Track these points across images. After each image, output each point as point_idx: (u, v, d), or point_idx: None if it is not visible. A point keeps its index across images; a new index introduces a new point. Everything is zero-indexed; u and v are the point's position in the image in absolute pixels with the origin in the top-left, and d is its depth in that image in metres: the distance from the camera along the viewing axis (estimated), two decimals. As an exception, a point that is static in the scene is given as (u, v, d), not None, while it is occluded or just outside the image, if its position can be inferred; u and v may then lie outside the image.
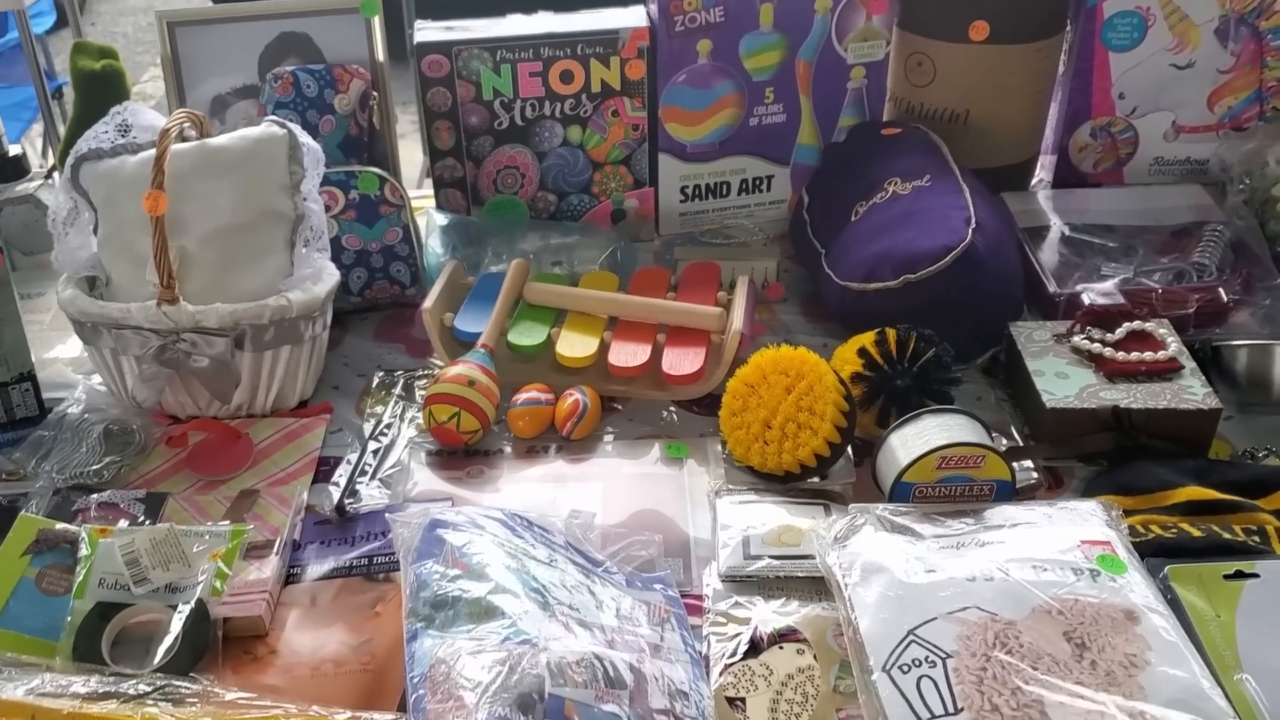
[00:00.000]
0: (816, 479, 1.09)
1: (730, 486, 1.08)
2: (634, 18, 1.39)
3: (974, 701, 0.77)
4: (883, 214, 1.26)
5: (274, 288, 1.15)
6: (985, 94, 1.44)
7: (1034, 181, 1.59)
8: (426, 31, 1.38)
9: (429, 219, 1.43)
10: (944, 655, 0.81)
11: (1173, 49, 1.47)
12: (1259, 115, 1.52)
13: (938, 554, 0.90)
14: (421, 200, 1.47)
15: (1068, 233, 1.38)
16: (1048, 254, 1.35)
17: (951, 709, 0.77)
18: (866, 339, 1.13)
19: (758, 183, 1.51)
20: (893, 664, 0.81)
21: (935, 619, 0.84)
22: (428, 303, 1.24)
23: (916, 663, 0.81)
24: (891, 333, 1.12)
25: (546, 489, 1.09)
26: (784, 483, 1.08)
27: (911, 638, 0.83)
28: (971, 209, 1.20)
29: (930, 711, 0.77)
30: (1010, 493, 1.00)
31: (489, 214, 1.47)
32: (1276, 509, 1.00)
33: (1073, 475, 1.10)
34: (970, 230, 1.17)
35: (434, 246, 1.41)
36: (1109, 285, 1.26)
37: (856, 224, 1.27)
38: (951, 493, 0.99)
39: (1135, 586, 0.87)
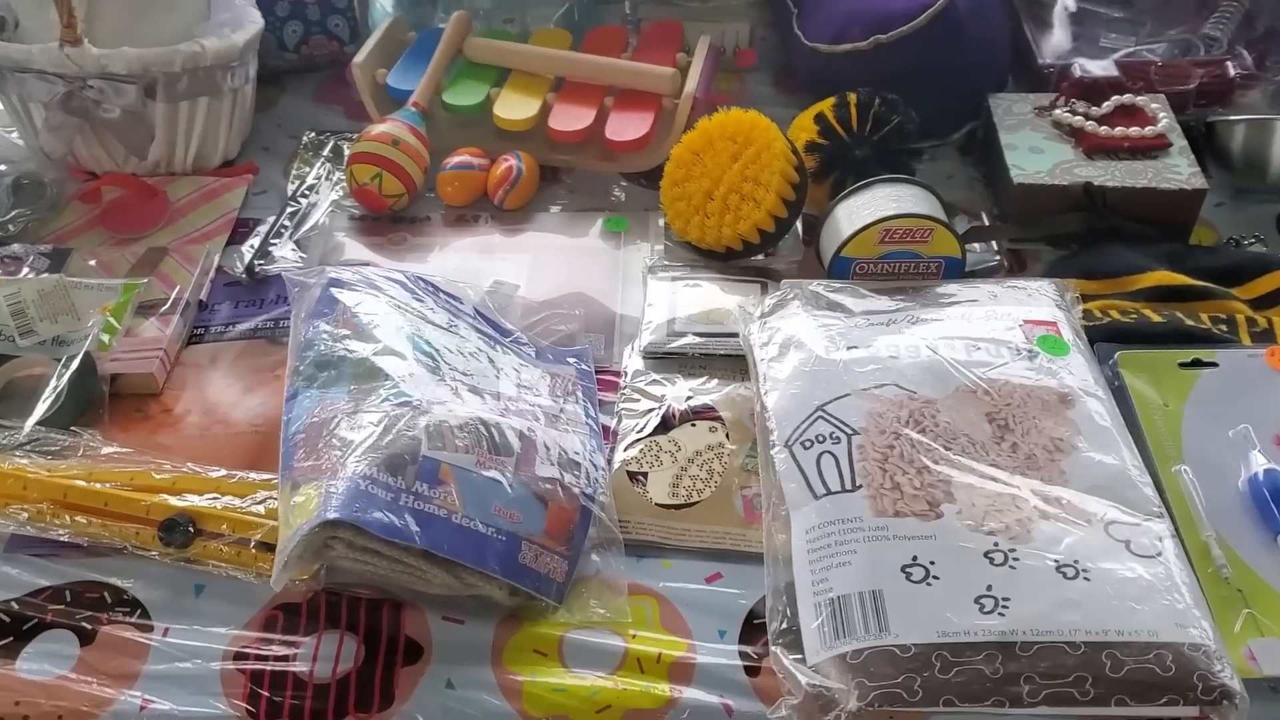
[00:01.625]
0: (761, 256, 1.01)
1: (666, 263, 1.01)
2: None
3: (874, 479, 0.71)
4: (860, -30, 1.13)
5: (190, 34, 1.07)
6: None
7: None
8: None
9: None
10: (850, 431, 0.75)
11: None
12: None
13: (865, 330, 0.83)
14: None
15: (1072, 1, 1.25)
16: (1049, 22, 1.23)
17: (849, 485, 0.71)
18: (825, 104, 1.03)
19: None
20: (796, 439, 0.76)
21: (848, 395, 0.77)
22: (359, 57, 1.15)
23: (820, 438, 0.75)
24: (853, 98, 1.02)
25: (472, 259, 1.02)
26: (725, 260, 1.01)
27: (820, 413, 0.77)
28: (955, -35, 1.08)
29: (826, 487, 0.72)
30: (960, 271, 0.92)
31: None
32: (1254, 298, 0.92)
33: (1039, 259, 1.01)
34: (950, -13, 1.05)
35: (382, 2, 1.30)
36: (1105, 56, 1.15)
37: (833, -22, 1.15)
38: (896, 270, 0.92)
39: (1076, 369, 0.80)
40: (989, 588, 0.65)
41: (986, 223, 1.05)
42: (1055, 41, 1.19)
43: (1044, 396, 0.77)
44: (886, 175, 0.95)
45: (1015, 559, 0.67)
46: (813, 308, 0.87)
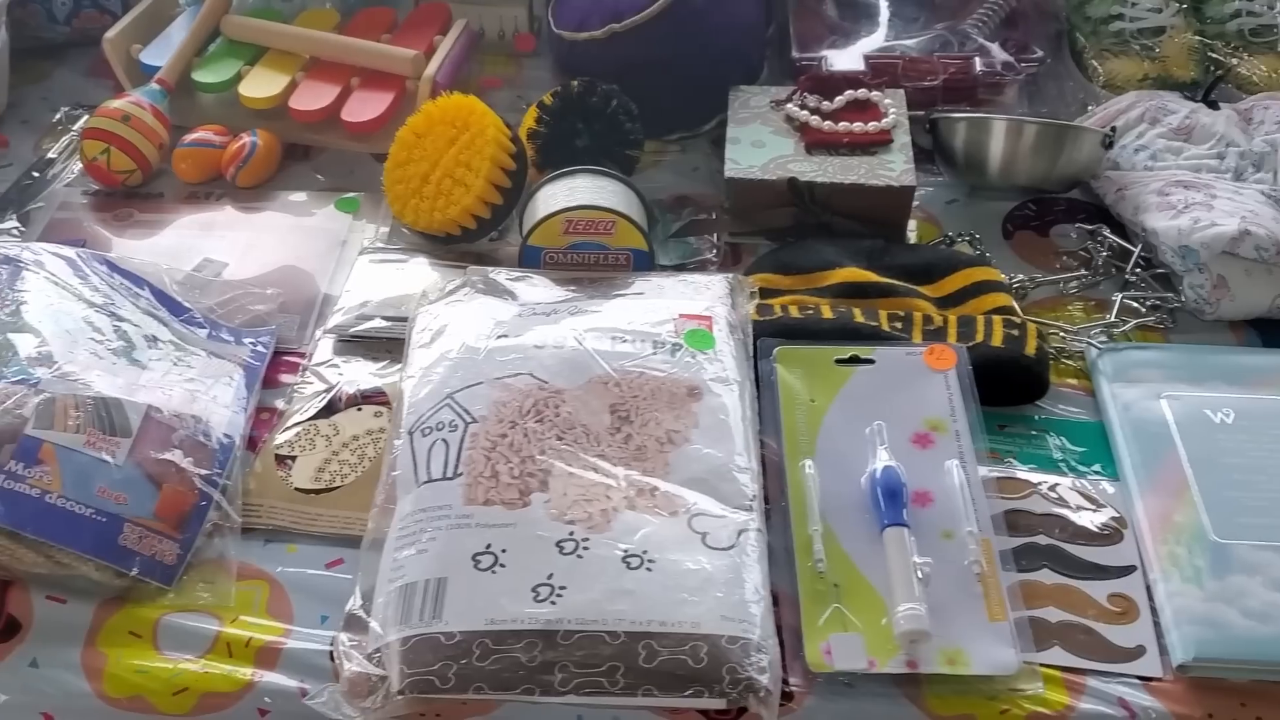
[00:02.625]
0: (487, 240, 1.01)
1: (383, 246, 1.01)
2: None
3: (476, 467, 0.72)
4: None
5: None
6: None
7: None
8: None
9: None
10: (469, 420, 0.75)
11: None
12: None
13: (526, 320, 0.84)
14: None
15: (842, -10, 1.25)
16: (817, 12, 1.23)
17: (450, 473, 0.72)
18: (550, 92, 1.03)
19: (538, -75, 1.37)
20: (419, 426, 0.76)
21: (480, 384, 0.78)
22: (112, 31, 1.14)
23: (440, 426, 0.75)
24: (576, 83, 1.02)
25: (188, 237, 1.02)
26: (447, 244, 1.01)
27: (448, 401, 0.77)
28: (697, -46, 1.08)
29: (429, 475, 0.72)
30: (649, 263, 0.93)
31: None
32: (941, 296, 0.93)
33: (754, 253, 1.02)
34: (706, -23, 1.05)
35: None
36: (857, 50, 1.15)
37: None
38: (584, 260, 0.92)
39: (716, 363, 0.80)
40: (550, 576, 0.66)
41: (714, 216, 1.05)
42: (815, 33, 1.19)
43: (673, 389, 0.78)
44: (588, 167, 0.95)
45: (586, 548, 0.67)
46: (486, 295, 0.87)
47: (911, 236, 1.03)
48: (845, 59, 1.14)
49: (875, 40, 1.19)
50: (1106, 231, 0.99)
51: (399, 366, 0.87)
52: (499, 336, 0.82)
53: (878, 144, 1.02)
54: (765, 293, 0.93)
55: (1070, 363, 0.90)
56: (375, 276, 0.96)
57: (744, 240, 1.03)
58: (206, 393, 0.82)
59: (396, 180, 1.01)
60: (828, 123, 1.03)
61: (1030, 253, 1.01)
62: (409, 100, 1.11)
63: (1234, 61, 1.12)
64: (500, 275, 0.89)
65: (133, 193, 1.08)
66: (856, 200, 0.99)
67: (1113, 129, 1.01)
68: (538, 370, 0.79)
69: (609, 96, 1.00)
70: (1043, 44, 1.17)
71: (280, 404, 0.87)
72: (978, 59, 1.12)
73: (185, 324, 0.88)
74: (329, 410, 0.85)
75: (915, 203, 1.01)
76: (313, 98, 1.10)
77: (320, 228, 1.04)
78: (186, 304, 0.90)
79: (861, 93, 1.06)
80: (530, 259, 0.92)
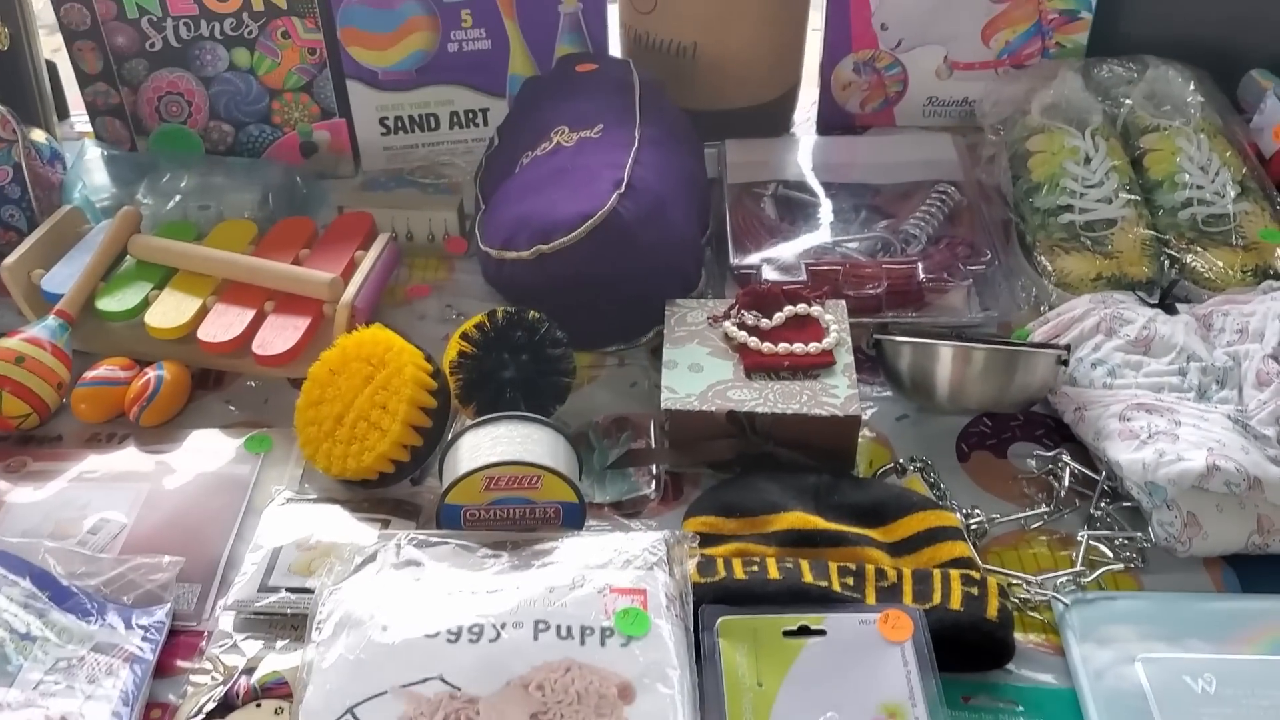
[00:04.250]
0: (409, 482, 0.94)
1: (292, 496, 0.93)
2: (294, -75, 1.21)
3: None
4: (540, 169, 1.09)
5: None
6: (714, 24, 1.27)
7: (799, 123, 1.42)
8: (50, -63, 1.19)
9: (80, 151, 1.26)
10: (372, 743, 0.67)
11: (937, -25, 1.29)
12: (1041, 51, 1.34)
13: (437, 600, 0.76)
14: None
15: (780, 190, 1.21)
16: (759, 214, 1.18)
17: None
18: (473, 321, 0.97)
19: (470, 116, 1.34)
20: (314, 749, 0.68)
21: (385, 693, 0.70)
22: (11, 258, 1.08)
23: (339, 750, 0.67)
24: (500, 312, 0.96)
25: (83, 490, 0.94)
26: (366, 489, 0.94)
27: (348, 716, 0.69)
28: (628, 168, 1.03)
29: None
30: (579, 516, 0.86)
31: (157, 146, 1.30)
32: (893, 541, 0.86)
33: (697, 484, 0.95)
34: (615, 195, 1.00)
35: (92, 182, 1.24)
36: (797, 254, 1.10)
37: (515, 178, 1.11)
38: (509, 516, 0.85)
39: (649, 653, 0.73)
40: None
41: (654, 440, 0.99)
42: (753, 235, 1.14)
43: (602, 691, 0.70)
44: (512, 413, 0.89)
45: None
46: (398, 569, 0.80)
47: (860, 461, 0.96)
48: (784, 264, 1.09)
49: (816, 238, 1.14)
50: (1067, 458, 0.93)
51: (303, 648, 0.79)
52: (408, 626, 0.74)
53: (818, 366, 0.96)
54: (707, 539, 0.86)
55: (1036, 615, 0.83)
56: (284, 531, 0.89)
57: (686, 469, 0.96)
58: (84, 706, 0.73)
59: (309, 421, 0.95)
60: (766, 344, 0.97)
61: (988, 478, 0.95)
62: (327, 326, 1.04)
63: (1189, 258, 1.08)
64: (412, 545, 0.82)
65: (28, 437, 1.00)
66: (800, 430, 0.92)
67: (1068, 347, 0.95)
68: (450, 673, 0.71)
69: (535, 327, 0.95)
70: (990, 238, 1.13)
71: (173, 698, 0.79)
72: (921, 264, 1.08)
73: (69, 612, 0.80)
74: (225, 708, 0.77)
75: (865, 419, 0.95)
76: (223, 327, 1.04)
77: (227, 474, 0.96)
78: (72, 587, 0.82)
79: (802, 308, 1.01)
80: (449, 517, 0.85)
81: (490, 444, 0.86)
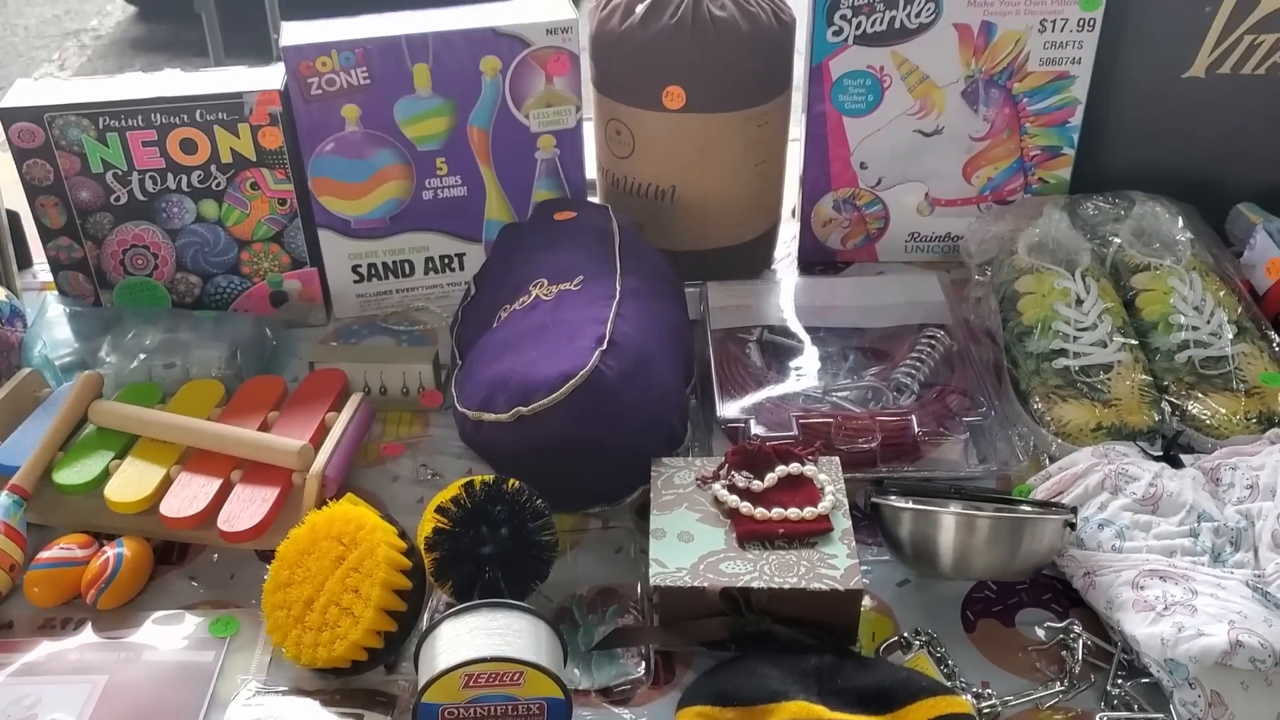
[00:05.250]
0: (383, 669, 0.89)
1: (260, 687, 0.87)
2: (264, 79, 1.18)
3: None
4: (518, 324, 1.05)
5: None
6: (691, 167, 1.25)
7: (780, 259, 1.40)
8: (14, 94, 1.17)
9: (42, 307, 1.22)
10: None
11: (916, 113, 1.28)
12: (1024, 188, 1.33)
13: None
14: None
15: (766, 335, 1.17)
16: (745, 363, 1.15)
17: None
18: (448, 492, 0.92)
19: (446, 261, 1.31)
20: None
21: None
22: (-36, 431, 1.03)
23: None
24: (478, 483, 0.91)
25: (32, 685, 0.88)
26: (338, 676, 0.88)
27: None
28: (610, 323, 1.00)
29: None
30: (566, 713, 0.80)
31: (122, 299, 1.26)
32: (903, 730, 0.81)
33: (690, 664, 0.90)
34: (598, 353, 0.96)
35: (54, 339, 1.20)
36: (786, 405, 1.06)
37: (493, 334, 1.07)
38: (490, 713, 0.79)
39: None
40: None
41: (643, 613, 0.94)
42: (740, 384, 1.10)
43: None
44: (491, 600, 0.84)
45: None
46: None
47: (862, 634, 0.91)
48: (774, 416, 1.05)
49: (805, 385, 1.10)
50: (1079, 628, 0.88)
51: None
52: None
53: (816, 533, 0.92)
54: (702, 732, 0.80)
55: (1058, 810, 0.78)
56: (251, 734, 0.83)
57: (678, 649, 0.91)
58: None
59: (277, 605, 0.89)
60: (760, 509, 0.93)
61: (995, 649, 0.90)
62: (297, 496, 0.99)
63: (1190, 405, 1.05)
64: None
65: (-24, 625, 0.94)
66: (799, 605, 0.87)
67: (1074, 510, 0.91)
68: None
69: (515, 499, 0.90)
70: (985, 385, 1.09)
71: None
72: (915, 416, 1.04)
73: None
74: None
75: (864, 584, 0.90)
76: (187, 499, 0.98)
77: (190, 662, 0.90)
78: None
79: (795, 467, 0.96)
80: (427, 716, 0.79)
81: (469, 636, 0.80)
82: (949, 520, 0.89)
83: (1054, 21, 1.21)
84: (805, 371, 1.13)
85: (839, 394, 1.09)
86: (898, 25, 1.22)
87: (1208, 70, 1.25)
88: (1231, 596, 0.84)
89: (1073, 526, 0.90)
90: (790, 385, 1.11)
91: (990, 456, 1.05)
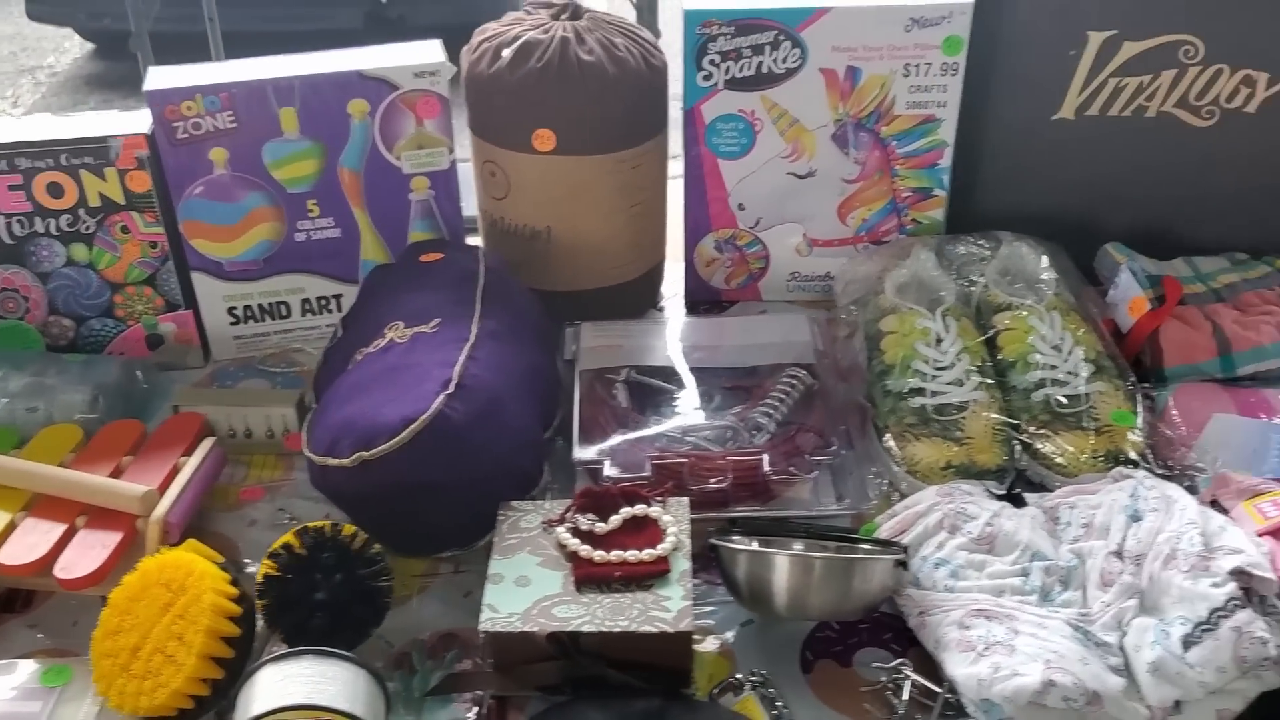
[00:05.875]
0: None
1: (88, 735, 0.86)
2: (131, 123, 1.18)
3: None
4: (371, 367, 1.05)
5: None
6: (565, 209, 1.25)
7: (669, 297, 1.40)
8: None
9: (-92, 352, 1.21)
10: None
11: (789, 156, 1.29)
12: (899, 229, 1.34)
13: None
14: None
15: (633, 376, 1.18)
16: (612, 402, 1.15)
17: None
18: (284, 538, 0.92)
19: (324, 302, 1.31)
20: None
21: None
22: None
23: None
24: (311, 529, 0.91)
25: None
26: (173, 726, 0.87)
27: None
28: (460, 366, 1.00)
29: None
30: (380, 761, 0.79)
31: (-7, 343, 1.26)
32: (724, 774, 0.80)
33: (523, 709, 0.90)
34: (443, 396, 0.96)
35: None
36: (643, 446, 1.07)
37: (345, 377, 1.07)
38: (303, 761, 0.79)
39: None
40: None
41: (481, 660, 0.93)
42: (601, 426, 1.11)
43: None
44: (313, 648, 0.83)
45: None
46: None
47: (700, 676, 0.91)
48: (630, 458, 1.05)
49: (666, 426, 1.11)
50: (907, 668, 0.89)
51: None
52: None
53: (653, 575, 0.92)
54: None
55: None
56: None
57: (513, 694, 0.90)
58: None
59: (105, 653, 0.88)
60: (599, 552, 0.93)
61: (830, 691, 0.90)
62: (140, 542, 0.99)
63: (1039, 444, 1.06)
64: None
65: None
66: (631, 648, 0.87)
67: (904, 549, 0.92)
68: None
69: (346, 546, 0.90)
70: (844, 424, 1.10)
71: None
72: (767, 455, 1.04)
73: None
74: None
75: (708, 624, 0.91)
76: (27, 546, 0.97)
77: (15, 713, 0.89)
78: None
79: (640, 509, 0.97)
80: (237, 766, 0.79)
81: (281, 684, 0.80)
82: (781, 561, 0.89)
83: (917, 66, 1.23)
84: (672, 411, 1.13)
85: (699, 434, 1.09)
86: (765, 70, 1.23)
87: (1077, 112, 1.27)
88: (1052, 636, 0.84)
89: (905, 565, 0.91)
90: (652, 426, 1.11)
91: (846, 495, 1.06)
